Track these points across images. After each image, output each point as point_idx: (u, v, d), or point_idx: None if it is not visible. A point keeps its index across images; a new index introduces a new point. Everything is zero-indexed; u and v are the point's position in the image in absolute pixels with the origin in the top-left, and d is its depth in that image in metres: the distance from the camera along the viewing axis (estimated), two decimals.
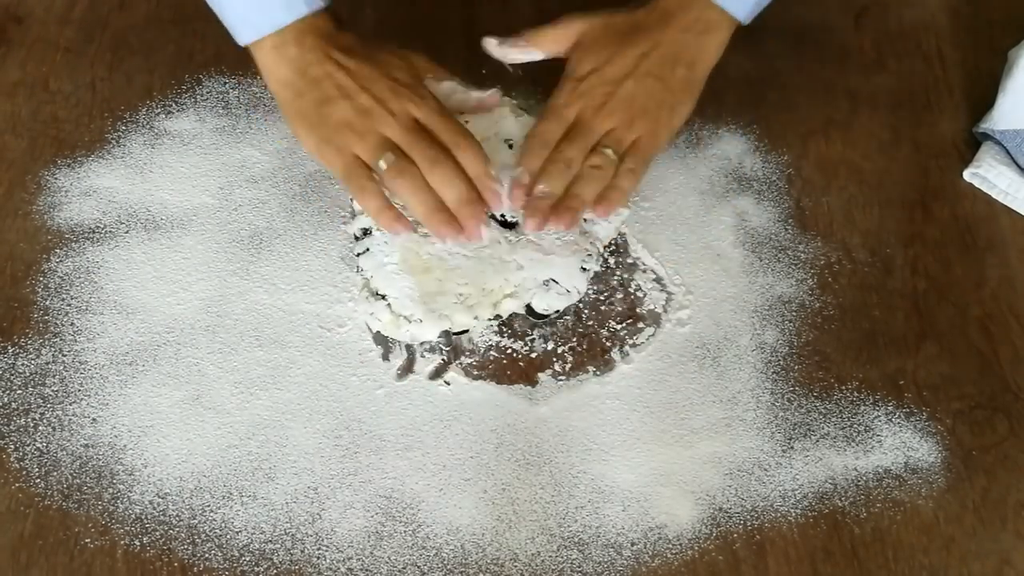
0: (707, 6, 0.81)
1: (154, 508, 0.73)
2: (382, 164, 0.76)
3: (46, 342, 0.80)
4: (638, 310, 0.83)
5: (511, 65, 0.87)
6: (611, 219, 0.82)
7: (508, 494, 0.74)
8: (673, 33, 0.81)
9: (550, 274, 0.79)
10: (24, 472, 0.74)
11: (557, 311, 0.80)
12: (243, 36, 0.80)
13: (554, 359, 0.80)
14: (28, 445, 0.75)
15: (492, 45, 0.85)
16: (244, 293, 0.82)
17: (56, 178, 0.89)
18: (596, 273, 0.83)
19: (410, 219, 0.78)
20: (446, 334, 0.79)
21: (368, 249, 0.80)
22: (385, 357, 0.80)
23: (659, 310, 0.83)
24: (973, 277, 0.86)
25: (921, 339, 0.82)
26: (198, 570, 0.71)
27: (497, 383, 0.79)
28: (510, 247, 0.80)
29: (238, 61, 0.91)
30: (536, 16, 1.00)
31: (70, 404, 0.77)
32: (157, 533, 0.72)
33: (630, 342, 0.81)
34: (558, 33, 0.84)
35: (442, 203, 0.76)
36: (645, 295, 0.83)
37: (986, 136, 0.92)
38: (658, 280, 0.84)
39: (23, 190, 0.88)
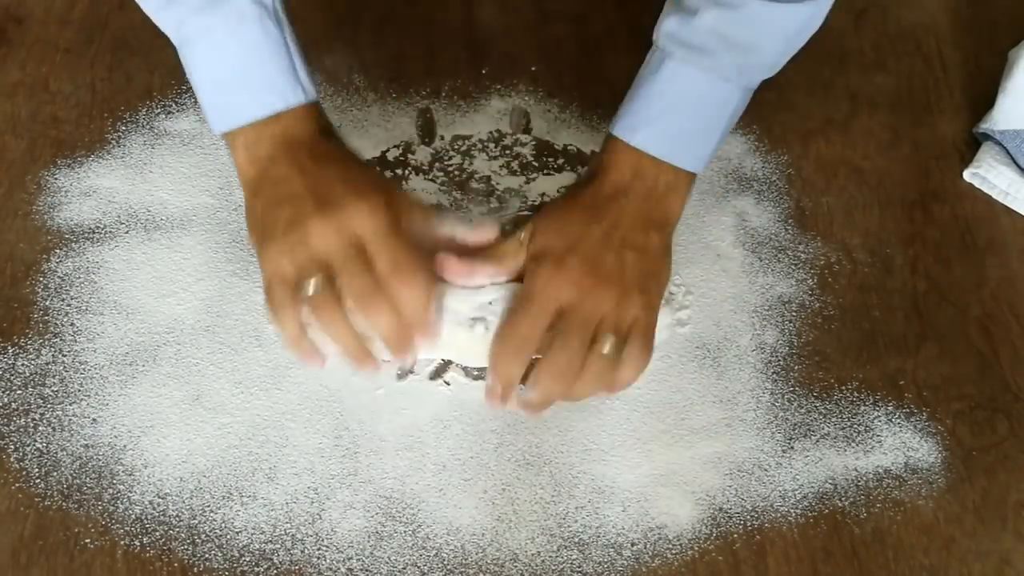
0: (661, 168, 0.76)
1: (154, 508, 0.73)
2: (308, 289, 0.70)
3: (46, 342, 0.80)
4: None
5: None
6: None
7: (508, 494, 0.74)
8: (635, 203, 0.75)
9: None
10: (24, 472, 0.74)
11: None
12: (215, 124, 0.76)
13: None
14: (28, 445, 0.75)
15: (448, 268, 0.76)
16: (244, 293, 0.82)
17: (56, 178, 0.89)
18: None
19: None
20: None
21: None
22: None
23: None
24: (973, 277, 0.86)
25: (921, 339, 0.82)
26: (198, 570, 0.71)
27: None
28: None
29: None
30: (536, 16, 1.01)
31: (70, 404, 0.77)
32: (157, 533, 0.72)
33: None
34: (518, 252, 0.76)
35: (356, 336, 0.71)
36: None
37: (986, 136, 0.92)
38: None
39: (23, 190, 0.88)
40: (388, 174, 0.89)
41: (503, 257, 0.76)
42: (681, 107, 0.75)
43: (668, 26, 0.76)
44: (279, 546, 0.72)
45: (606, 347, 0.71)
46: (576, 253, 0.73)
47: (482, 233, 0.78)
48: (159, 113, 0.92)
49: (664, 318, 0.78)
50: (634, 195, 0.76)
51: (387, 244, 0.71)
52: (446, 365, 0.79)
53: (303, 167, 0.74)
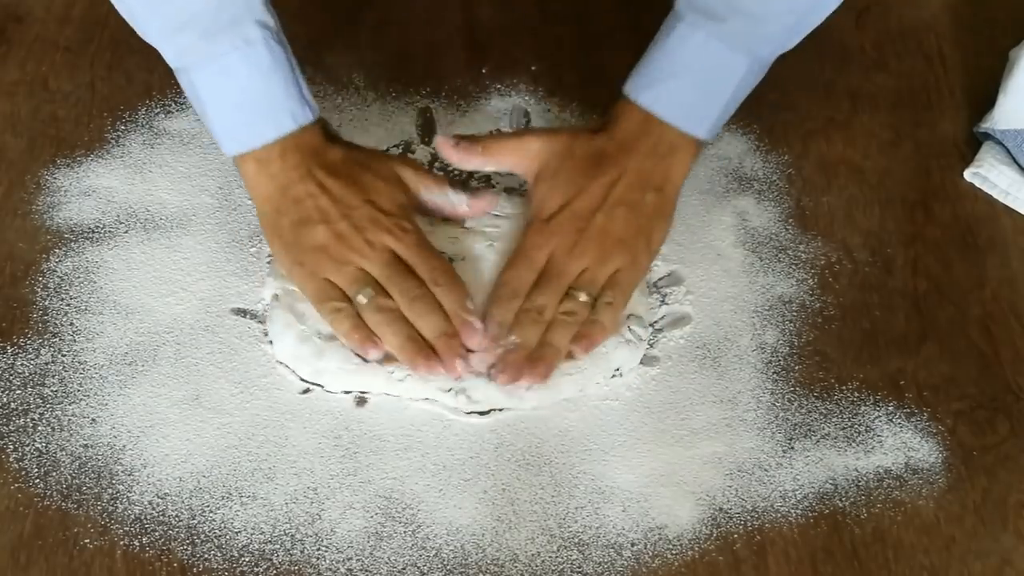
0: (666, 129, 0.79)
1: (153, 508, 0.73)
2: (361, 299, 0.76)
3: (45, 342, 0.80)
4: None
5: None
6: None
7: (508, 494, 0.74)
8: (637, 160, 0.79)
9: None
10: (23, 472, 0.74)
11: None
12: (228, 147, 0.79)
13: None
14: (27, 445, 0.75)
15: (446, 146, 0.82)
16: (244, 293, 0.82)
17: (55, 178, 0.88)
18: None
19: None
20: None
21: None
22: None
23: (659, 310, 0.83)
24: (974, 277, 0.85)
25: (922, 339, 0.82)
26: (197, 570, 0.70)
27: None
28: None
29: None
30: (536, 16, 1.01)
31: (69, 404, 0.77)
32: (156, 533, 0.72)
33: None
34: (517, 149, 0.82)
35: (417, 334, 0.75)
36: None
37: (987, 136, 0.92)
38: (658, 280, 0.84)
39: (22, 190, 0.88)
40: None
41: (499, 152, 0.81)
42: (688, 71, 0.78)
43: None
44: (278, 546, 0.72)
45: (580, 297, 0.76)
46: (567, 210, 0.78)
47: (483, 203, 0.82)
48: (159, 112, 0.92)
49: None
50: (635, 152, 0.79)
51: (423, 256, 0.77)
52: None
53: (323, 185, 0.78)
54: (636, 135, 0.79)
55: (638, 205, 0.78)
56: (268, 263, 0.83)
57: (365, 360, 0.76)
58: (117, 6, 0.79)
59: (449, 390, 0.76)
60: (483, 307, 0.78)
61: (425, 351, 0.75)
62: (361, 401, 0.77)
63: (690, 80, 0.78)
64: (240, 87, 0.77)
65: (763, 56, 0.79)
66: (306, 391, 0.78)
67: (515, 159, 0.82)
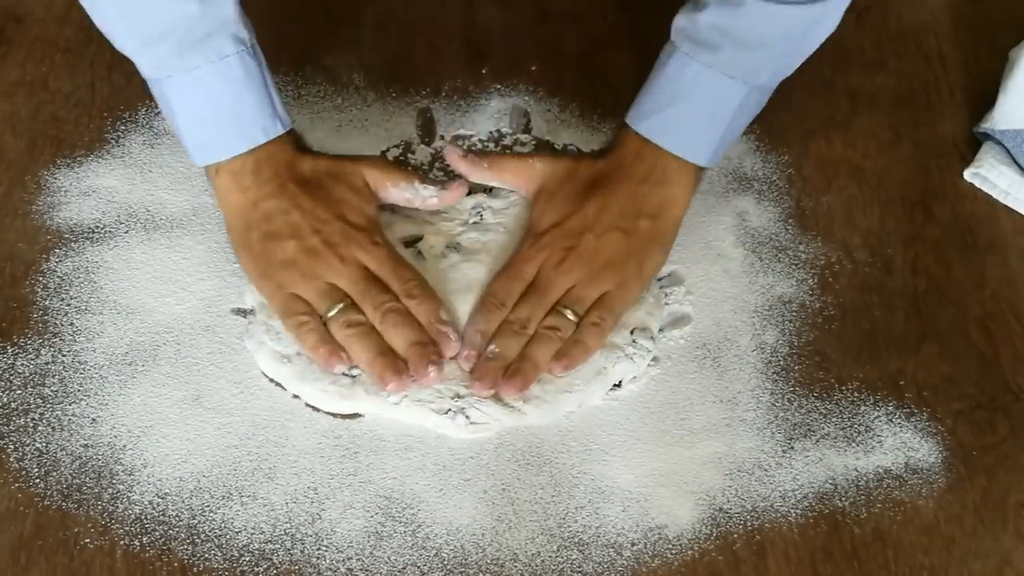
0: (662, 155, 0.80)
1: (154, 508, 0.73)
2: (331, 313, 0.76)
3: (46, 342, 0.80)
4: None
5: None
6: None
7: (508, 494, 0.74)
8: (631, 185, 0.80)
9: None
10: (24, 472, 0.74)
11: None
12: (198, 158, 0.80)
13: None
14: (28, 445, 0.75)
15: (454, 156, 0.84)
16: (244, 293, 0.82)
17: (56, 178, 0.88)
18: None
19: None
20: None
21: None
22: None
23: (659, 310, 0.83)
24: (973, 277, 0.86)
25: (921, 339, 0.82)
26: (198, 570, 0.70)
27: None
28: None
29: None
30: (536, 16, 1.01)
31: (70, 404, 0.77)
32: (157, 533, 0.72)
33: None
34: (520, 169, 0.84)
35: (387, 347, 0.75)
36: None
37: (987, 136, 0.92)
38: (657, 280, 0.84)
39: (23, 190, 0.88)
40: None
41: (502, 169, 0.84)
42: (684, 99, 0.79)
43: (679, 21, 0.80)
44: (279, 546, 0.72)
45: (566, 314, 0.76)
46: (559, 228, 0.79)
47: (452, 194, 0.83)
48: (159, 113, 0.92)
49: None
50: (631, 178, 0.80)
51: (394, 270, 0.78)
52: None
53: (295, 200, 0.79)
54: (632, 162, 0.80)
55: (630, 230, 0.79)
56: None
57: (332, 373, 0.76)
58: (93, 18, 0.80)
59: (448, 412, 0.75)
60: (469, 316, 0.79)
61: (396, 365, 0.74)
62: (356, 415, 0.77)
63: (687, 108, 0.79)
64: (212, 100, 0.78)
65: (761, 83, 0.80)
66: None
67: (517, 178, 0.84)
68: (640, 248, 0.79)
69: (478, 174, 0.84)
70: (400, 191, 0.82)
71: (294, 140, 0.82)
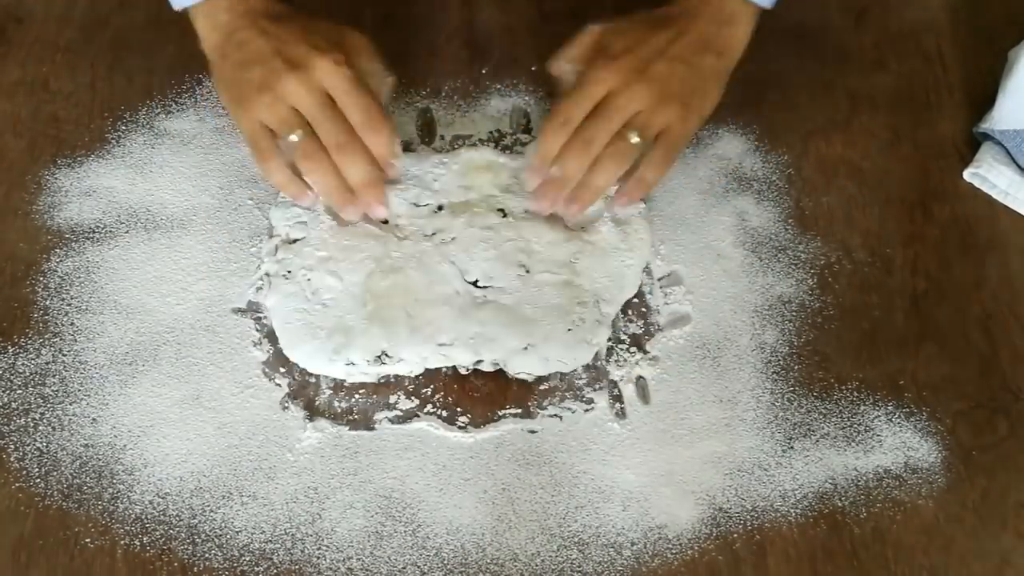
0: None
1: (154, 508, 0.73)
2: (291, 139, 0.78)
3: (46, 342, 0.80)
4: (640, 310, 0.83)
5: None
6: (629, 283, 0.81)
7: (508, 494, 0.74)
8: (700, 24, 0.81)
9: (528, 340, 0.78)
10: (24, 472, 0.74)
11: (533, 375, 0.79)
12: (176, 1, 0.82)
13: None
14: (28, 445, 0.75)
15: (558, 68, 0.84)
16: (244, 293, 0.82)
17: (56, 178, 0.89)
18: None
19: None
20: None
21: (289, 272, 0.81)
22: None
23: (659, 310, 0.83)
24: (973, 277, 0.86)
25: (921, 339, 0.82)
26: (198, 570, 0.71)
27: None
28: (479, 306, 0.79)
29: None
30: (536, 16, 1.01)
31: (70, 404, 0.77)
32: (157, 533, 0.72)
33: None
34: (577, 37, 0.83)
35: (342, 178, 0.78)
36: (646, 295, 0.83)
37: (986, 136, 0.92)
38: (658, 280, 0.84)
39: (23, 190, 0.88)
40: None
41: (565, 48, 0.83)
42: None
43: None
44: (279, 546, 0.72)
45: (631, 138, 0.77)
46: (631, 52, 0.79)
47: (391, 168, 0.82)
48: (159, 113, 0.92)
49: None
50: (699, 18, 0.81)
51: (355, 98, 0.78)
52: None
53: (265, 29, 0.80)
54: (699, 3, 0.82)
55: (697, 65, 0.80)
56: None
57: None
58: None
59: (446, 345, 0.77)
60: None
61: (348, 197, 0.79)
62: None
63: None
64: None
65: None
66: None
67: (577, 47, 0.83)
68: (704, 83, 0.81)
69: (556, 68, 0.84)
70: (373, 67, 0.82)
71: None
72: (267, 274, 0.82)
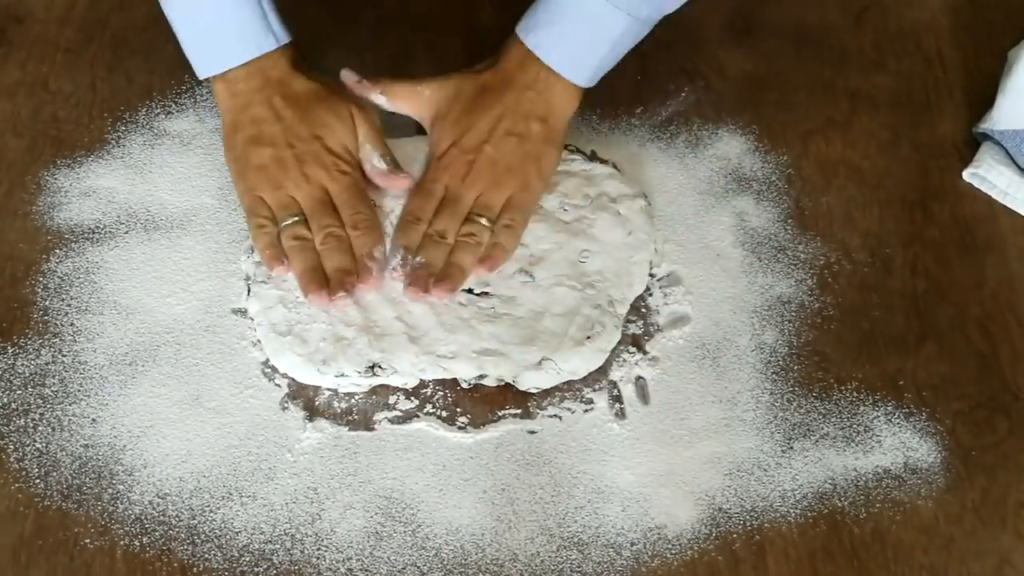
0: (542, 67, 0.83)
1: (154, 508, 0.73)
2: (285, 223, 0.81)
3: (46, 342, 0.80)
4: (640, 310, 0.83)
5: None
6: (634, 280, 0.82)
7: (508, 494, 0.74)
8: (518, 92, 0.83)
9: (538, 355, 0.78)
10: (24, 472, 0.74)
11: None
12: (200, 71, 0.84)
13: None
14: (28, 445, 0.75)
15: (350, 79, 0.87)
16: (244, 293, 0.82)
17: (56, 178, 0.89)
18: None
19: None
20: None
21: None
22: None
23: (658, 310, 0.83)
24: (973, 277, 0.86)
25: (921, 339, 0.82)
26: (198, 570, 0.71)
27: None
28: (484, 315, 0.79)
29: None
30: None
31: (70, 404, 0.77)
32: (157, 533, 0.72)
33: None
34: (411, 96, 0.87)
35: (319, 265, 0.80)
36: (645, 295, 0.83)
37: (986, 136, 0.92)
38: (657, 280, 0.84)
39: (23, 190, 0.88)
40: None
41: (395, 95, 0.87)
42: (569, 20, 0.82)
43: None
44: (279, 546, 0.72)
45: (480, 221, 0.81)
46: (457, 146, 0.83)
47: (396, 181, 0.84)
48: (159, 113, 0.93)
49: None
50: (516, 86, 0.84)
51: (350, 200, 0.82)
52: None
53: (279, 114, 0.83)
54: (516, 70, 0.84)
55: (525, 134, 0.83)
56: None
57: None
58: None
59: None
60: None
61: (319, 281, 0.79)
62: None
63: (570, 29, 0.82)
64: (207, 16, 0.82)
65: (643, 16, 0.82)
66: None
67: (410, 105, 0.87)
68: (535, 149, 0.83)
69: (373, 98, 0.87)
70: (366, 153, 0.85)
71: (292, 57, 0.85)
72: (247, 277, 0.81)
